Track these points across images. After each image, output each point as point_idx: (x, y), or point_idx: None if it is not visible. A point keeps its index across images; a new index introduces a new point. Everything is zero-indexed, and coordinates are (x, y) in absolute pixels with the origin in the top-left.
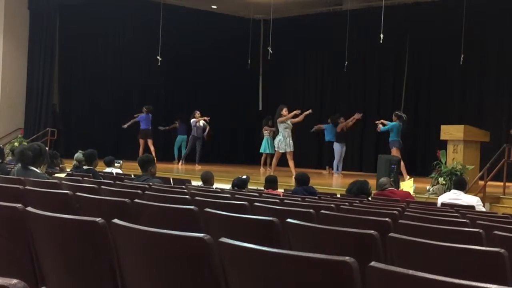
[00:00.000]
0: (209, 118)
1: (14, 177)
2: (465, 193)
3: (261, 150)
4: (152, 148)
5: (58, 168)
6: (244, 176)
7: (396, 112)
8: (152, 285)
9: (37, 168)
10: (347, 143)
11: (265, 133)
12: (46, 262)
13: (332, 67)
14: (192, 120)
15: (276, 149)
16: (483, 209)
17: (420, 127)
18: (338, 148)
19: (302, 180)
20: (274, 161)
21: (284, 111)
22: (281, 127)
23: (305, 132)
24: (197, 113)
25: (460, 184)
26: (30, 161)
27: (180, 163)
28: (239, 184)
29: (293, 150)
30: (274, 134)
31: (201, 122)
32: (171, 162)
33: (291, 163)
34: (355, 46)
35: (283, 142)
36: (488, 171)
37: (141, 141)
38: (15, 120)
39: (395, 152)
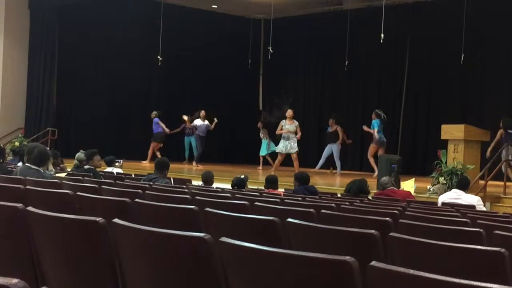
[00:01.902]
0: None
1: (15, 176)
2: (466, 192)
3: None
4: (158, 153)
5: (58, 167)
6: (242, 176)
7: (376, 110)
8: (153, 284)
9: (41, 168)
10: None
11: (263, 136)
12: (46, 262)
13: (332, 66)
14: (197, 120)
15: (278, 150)
16: (484, 209)
17: (421, 126)
18: (335, 147)
19: (302, 179)
20: (276, 162)
21: (288, 113)
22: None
23: (305, 132)
24: (203, 113)
25: (463, 184)
26: (37, 161)
27: (195, 164)
28: (239, 184)
29: (295, 151)
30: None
31: (206, 122)
32: (181, 163)
33: (295, 163)
34: (355, 45)
35: (283, 143)
36: (489, 171)
37: (158, 145)
38: (16, 120)
39: (373, 148)
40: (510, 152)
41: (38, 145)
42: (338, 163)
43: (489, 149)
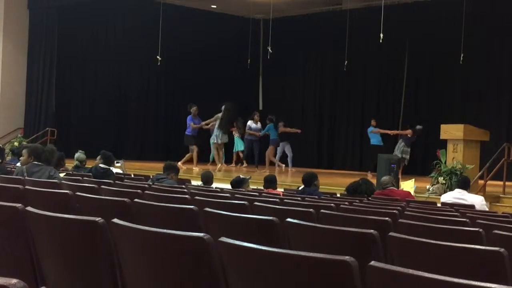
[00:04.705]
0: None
1: (16, 177)
2: (468, 192)
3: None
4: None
5: (62, 168)
6: (242, 176)
7: (269, 116)
8: (152, 284)
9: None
10: (346, 141)
11: (235, 133)
12: (46, 262)
13: (331, 66)
14: (248, 122)
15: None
16: (487, 209)
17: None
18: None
19: (305, 181)
20: (221, 153)
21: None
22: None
23: (305, 132)
24: (257, 115)
25: (464, 183)
26: (51, 159)
27: (240, 165)
28: (234, 184)
29: (218, 142)
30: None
31: (259, 125)
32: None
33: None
34: (355, 45)
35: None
36: (488, 170)
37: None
38: (15, 120)
39: (272, 149)
40: None
41: (48, 146)
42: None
43: None
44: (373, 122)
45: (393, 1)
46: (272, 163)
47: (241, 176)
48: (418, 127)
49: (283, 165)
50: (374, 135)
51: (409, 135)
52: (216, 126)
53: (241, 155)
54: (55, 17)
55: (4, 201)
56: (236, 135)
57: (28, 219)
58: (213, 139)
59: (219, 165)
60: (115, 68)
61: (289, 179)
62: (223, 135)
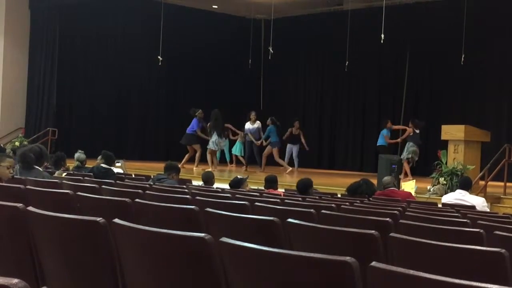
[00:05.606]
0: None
1: (15, 176)
2: (470, 193)
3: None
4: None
5: (63, 168)
6: (240, 176)
7: (271, 117)
8: (153, 284)
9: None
10: (346, 141)
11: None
12: (47, 262)
13: (332, 67)
14: (246, 125)
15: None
16: (488, 210)
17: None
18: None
19: (301, 189)
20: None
21: None
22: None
23: (305, 132)
24: (252, 114)
25: (465, 184)
26: (33, 163)
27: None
28: (233, 185)
29: (213, 147)
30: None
31: (257, 124)
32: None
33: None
34: (355, 46)
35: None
36: (489, 171)
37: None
38: (16, 120)
39: (276, 152)
40: None
41: (33, 147)
42: (296, 160)
43: None
44: (389, 124)
45: (394, 1)
46: (274, 165)
47: (239, 176)
48: (416, 121)
49: (290, 168)
50: (383, 136)
51: (410, 133)
52: (212, 133)
53: (241, 159)
54: (56, 17)
55: (5, 201)
56: (238, 140)
57: (29, 219)
58: (209, 145)
59: (212, 167)
60: (115, 68)
61: (289, 179)
62: (220, 141)
